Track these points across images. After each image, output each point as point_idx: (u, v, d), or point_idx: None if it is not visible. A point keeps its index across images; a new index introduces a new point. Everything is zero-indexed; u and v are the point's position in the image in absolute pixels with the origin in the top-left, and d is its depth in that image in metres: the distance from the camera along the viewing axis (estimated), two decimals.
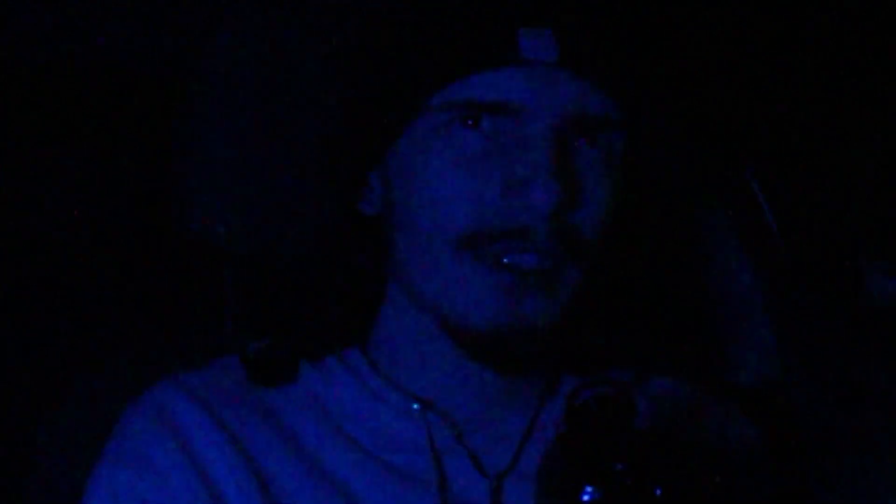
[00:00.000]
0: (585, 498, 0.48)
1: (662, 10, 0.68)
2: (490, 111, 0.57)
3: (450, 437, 0.62)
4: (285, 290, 0.78)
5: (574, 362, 0.66)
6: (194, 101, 0.72)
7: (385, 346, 0.64)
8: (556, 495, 0.50)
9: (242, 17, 0.73)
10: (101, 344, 0.87)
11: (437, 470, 0.60)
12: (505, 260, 0.57)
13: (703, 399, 0.65)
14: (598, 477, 0.48)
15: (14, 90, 0.89)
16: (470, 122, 0.57)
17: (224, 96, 0.72)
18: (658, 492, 0.47)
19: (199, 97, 0.72)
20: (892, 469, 0.68)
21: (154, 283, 0.93)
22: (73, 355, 0.87)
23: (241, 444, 0.61)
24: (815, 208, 0.87)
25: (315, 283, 0.69)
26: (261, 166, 0.73)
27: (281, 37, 0.73)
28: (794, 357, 0.79)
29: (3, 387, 0.87)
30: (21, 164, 0.94)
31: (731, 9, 0.88)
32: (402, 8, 0.62)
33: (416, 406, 0.62)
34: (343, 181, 0.65)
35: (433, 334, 0.61)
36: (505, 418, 0.63)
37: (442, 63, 0.58)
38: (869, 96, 0.89)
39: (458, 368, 0.62)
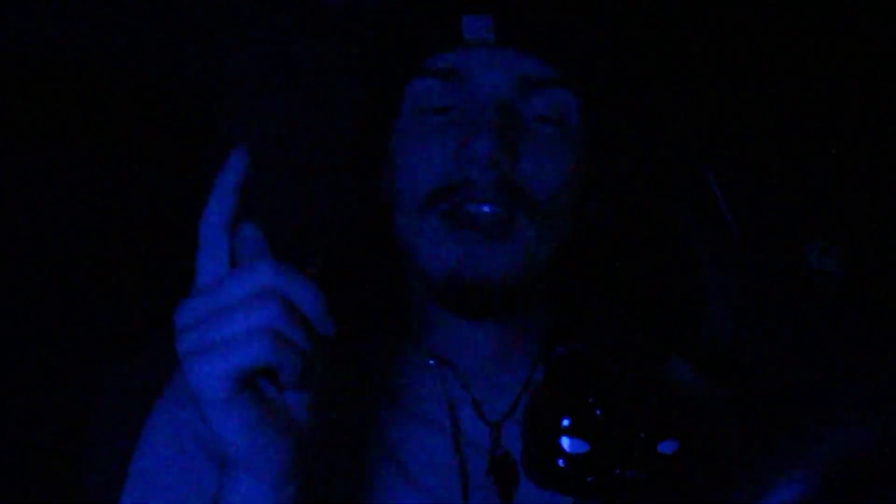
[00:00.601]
0: (565, 423, 0.53)
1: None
2: (440, 78, 0.62)
3: (460, 389, 0.66)
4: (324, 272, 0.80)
5: (566, 334, 0.69)
6: (228, 105, 0.76)
7: (407, 311, 0.69)
8: (539, 429, 0.54)
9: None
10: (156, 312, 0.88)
11: (450, 417, 0.65)
12: (465, 208, 0.60)
13: (670, 357, 0.67)
14: (574, 409, 0.53)
15: (52, 89, 0.90)
16: (439, 109, 0.62)
17: (256, 103, 0.76)
18: (625, 417, 0.51)
19: (231, 103, 0.76)
20: (834, 410, 0.74)
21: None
22: (123, 325, 0.91)
23: None
24: (764, 197, 0.92)
25: (348, 264, 0.72)
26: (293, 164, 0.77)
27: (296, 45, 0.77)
28: (751, 323, 0.84)
29: (67, 341, 0.90)
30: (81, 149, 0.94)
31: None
32: (383, 15, 0.68)
33: (431, 361, 0.66)
34: (361, 168, 0.70)
35: (430, 299, 0.65)
36: (503, 374, 0.67)
37: (413, 47, 0.64)
38: (812, 96, 0.94)
39: (456, 329, 0.66)
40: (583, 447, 0.53)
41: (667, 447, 0.53)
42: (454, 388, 0.67)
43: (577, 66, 0.63)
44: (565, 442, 0.53)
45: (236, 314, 0.42)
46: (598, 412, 0.53)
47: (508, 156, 0.60)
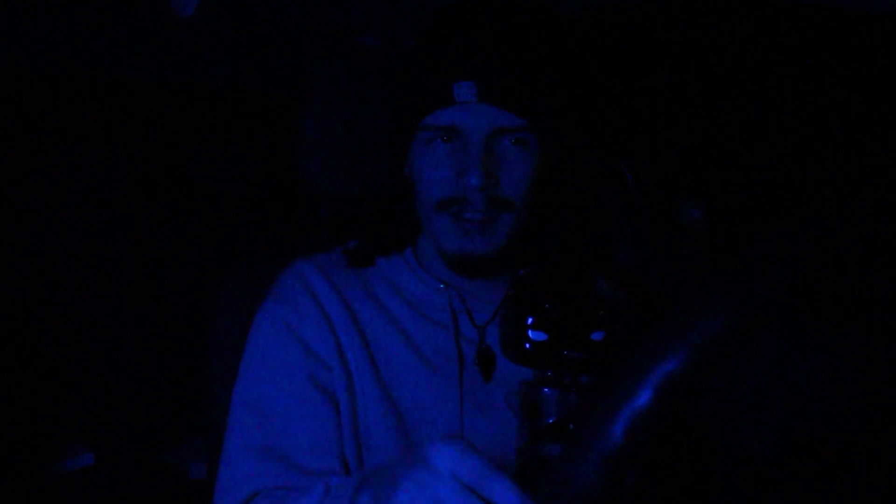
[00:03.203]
0: (529, 321, 0.59)
1: (555, 60, 0.75)
2: (445, 131, 0.72)
3: (460, 303, 0.79)
4: (364, 217, 0.95)
5: (526, 263, 0.80)
6: (312, 107, 0.91)
7: (425, 251, 0.83)
8: (512, 325, 0.60)
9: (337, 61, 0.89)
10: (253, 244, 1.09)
11: (453, 321, 0.78)
12: (464, 215, 0.71)
13: (595, 275, 0.73)
14: (536, 310, 0.59)
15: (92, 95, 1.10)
16: (444, 139, 0.73)
17: (331, 108, 0.89)
18: (569, 316, 0.57)
19: (315, 105, 0.91)
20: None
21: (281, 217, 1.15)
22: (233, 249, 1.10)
23: (347, 302, 0.79)
24: (654, 169, 1.11)
25: (382, 213, 0.87)
26: (355, 146, 0.89)
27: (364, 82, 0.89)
28: (646, 254, 1.00)
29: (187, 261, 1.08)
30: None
31: (604, 56, 1.08)
32: (398, 73, 0.77)
33: (441, 285, 0.81)
34: (395, 159, 0.81)
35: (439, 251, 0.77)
36: (489, 294, 0.81)
37: (418, 104, 0.73)
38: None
39: (459, 272, 0.79)
40: (542, 337, 0.59)
41: (598, 336, 0.59)
42: (456, 302, 0.80)
43: (537, 115, 0.73)
44: (530, 333, 0.59)
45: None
46: (552, 313, 0.59)
47: (492, 181, 0.71)
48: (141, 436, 1.35)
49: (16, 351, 1.25)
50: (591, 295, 0.61)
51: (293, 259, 0.83)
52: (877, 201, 0.36)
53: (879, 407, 0.59)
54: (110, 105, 1.25)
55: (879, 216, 0.35)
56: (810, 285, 0.35)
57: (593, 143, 1.07)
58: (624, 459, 0.37)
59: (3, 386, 1.24)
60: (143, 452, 1.36)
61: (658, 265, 0.99)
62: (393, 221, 0.85)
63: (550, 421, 0.57)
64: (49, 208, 1.33)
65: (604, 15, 0.97)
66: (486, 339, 0.79)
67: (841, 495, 0.58)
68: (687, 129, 1.12)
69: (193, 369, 1.10)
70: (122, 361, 1.30)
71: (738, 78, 1.06)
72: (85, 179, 1.29)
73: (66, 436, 1.31)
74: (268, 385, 0.74)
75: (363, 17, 0.98)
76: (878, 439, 0.57)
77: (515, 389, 0.60)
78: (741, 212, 1.10)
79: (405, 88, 0.76)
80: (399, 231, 0.85)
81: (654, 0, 0.94)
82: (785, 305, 0.35)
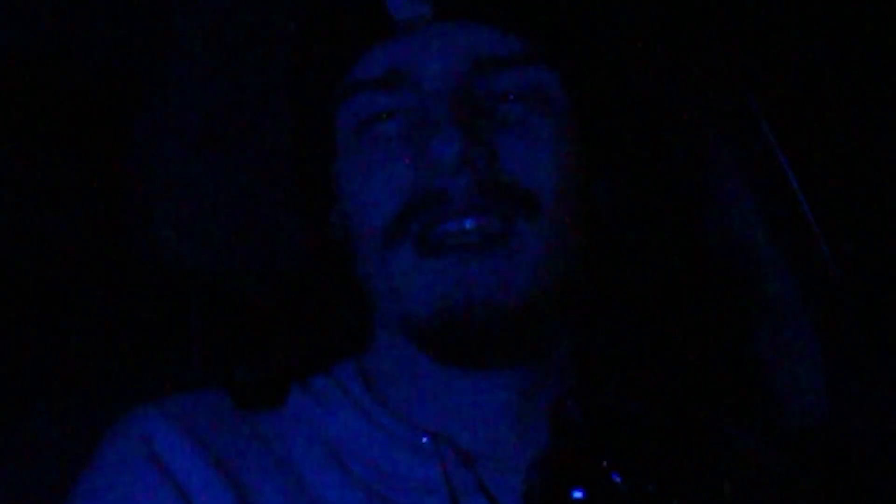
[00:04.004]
0: (577, 495, 0.47)
1: None
2: (380, 87, 0.56)
3: (466, 474, 0.57)
4: (259, 311, 0.77)
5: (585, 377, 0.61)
6: (152, 109, 0.71)
7: (379, 366, 0.61)
8: None
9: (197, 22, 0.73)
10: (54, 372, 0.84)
11: None
12: (441, 229, 0.54)
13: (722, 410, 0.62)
14: (587, 477, 0.48)
15: None
16: (385, 115, 0.56)
17: (187, 94, 0.71)
18: (651, 488, 0.47)
19: (157, 104, 0.71)
20: None
21: (113, 309, 0.89)
22: (27, 384, 0.83)
23: (231, 474, 0.57)
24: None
25: (292, 301, 0.68)
26: (224, 178, 0.72)
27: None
28: (846, 387, 0.70)
29: None
30: None
31: None
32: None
33: (425, 439, 0.57)
34: (308, 178, 0.64)
35: (413, 350, 0.58)
36: (520, 446, 0.58)
37: (332, 54, 0.58)
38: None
39: (454, 389, 0.58)
40: None
41: None
42: (457, 471, 0.57)
43: (549, 30, 0.56)
44: None
45: None
46: (618, 479, 0.47)
47: (482, 150, 0.54)
48: None
49: None
50: (704, 445, 0.53)
51: (127, 406, 0.62)
52: None
53: None
54: None
55: None
56: None
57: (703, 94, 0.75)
58: None
59: None
60: None
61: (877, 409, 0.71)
62: (319, 311, 0.66)
63: None
64: None
65: None
66: None
67: None
68: None
69: None
70: None
71: None
72: None
73: None
74: None
75: None
76: None
77: None
78: None
79: (301, 53, 0.62)
80: (332, 331, 0.65)
81: None
82: None
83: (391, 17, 0.54)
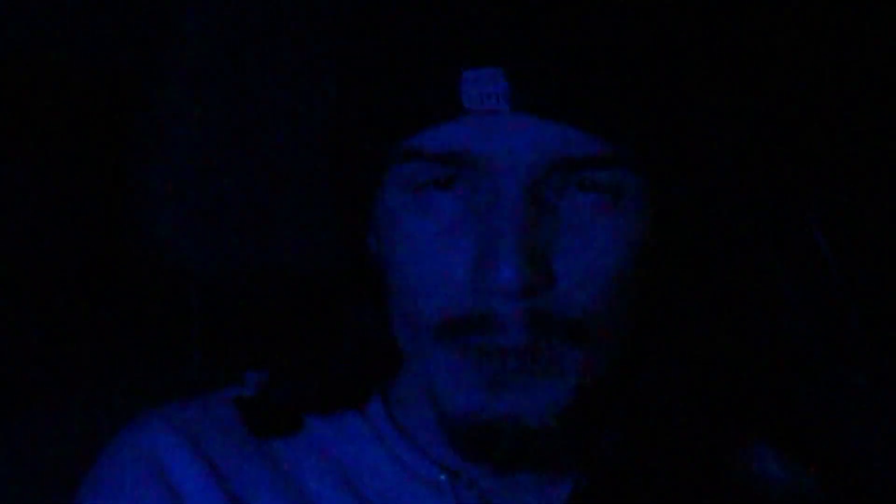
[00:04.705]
0: None
1: (667, 23, 0.56)
2: (446, 163, 0.52)
3: None
4: (262, 313, 0.77)
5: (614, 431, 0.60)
6: (152, 109, 0.71)
7: (408, 402, 0.60)
8: None
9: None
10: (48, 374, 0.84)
11: None
12: (491, 344, 0.52)
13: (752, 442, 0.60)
14: None
15: None
16: (442, 181, 0.52)
17: (190, 91, 0.70)
18: None
19: (162, 91, 0.70)
20: None
21: (113, 309, 0.88)
22: (27, 384, 0.83)
23: (237, 494, 0.57)
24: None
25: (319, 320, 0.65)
26: (236, 169, 0.71)
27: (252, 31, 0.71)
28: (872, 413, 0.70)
29: None
30: None
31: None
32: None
33: (443, 477, 0.57)
34: (345, 215, 0.61)
35: (441, 427, 0.57)
36: (541, 488, 0.59)
37: (388, 113, 0.54)
38: None
39: (470, 451, 0.57)
40: None
41: None
42: None
43: (637, 134, 0.51)
44: None
45: None
46: None
47: (542, 278, 0.51)
48: None
49: None
50: (734, 481, 0.53)
51: (131, 413, 0.62)
52: None
53: None
54: None
55: None
56: None
57: (761, 193, 0.76)
58: None
59: None
60: None
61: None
62: (343, 340, 0.63)
63: None
64: None
65: None
66: None
67: None
68: None
69: None
70: None
71: None
72: None
73: None
74: None
75: None
76: None
77: None
78: None
79: (360, 79, 0.57)
80: (355, 364, 0.62)
81: None
82: None
83: (461, 99, 0.50)
